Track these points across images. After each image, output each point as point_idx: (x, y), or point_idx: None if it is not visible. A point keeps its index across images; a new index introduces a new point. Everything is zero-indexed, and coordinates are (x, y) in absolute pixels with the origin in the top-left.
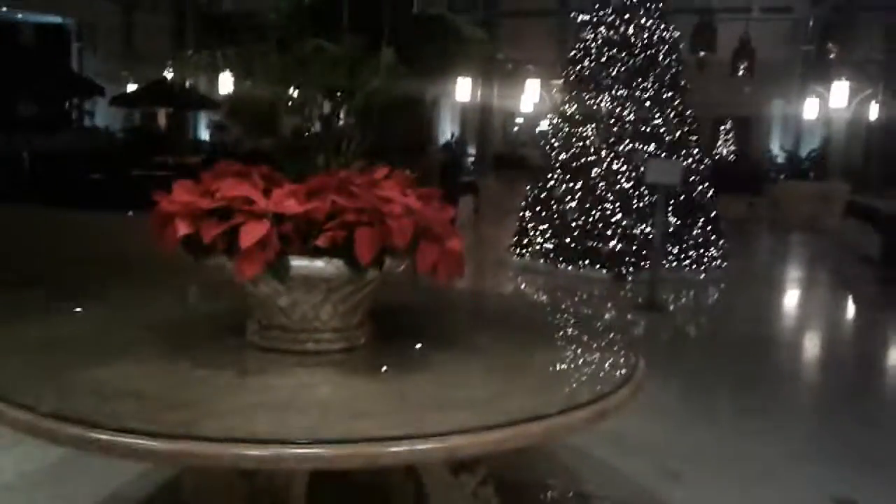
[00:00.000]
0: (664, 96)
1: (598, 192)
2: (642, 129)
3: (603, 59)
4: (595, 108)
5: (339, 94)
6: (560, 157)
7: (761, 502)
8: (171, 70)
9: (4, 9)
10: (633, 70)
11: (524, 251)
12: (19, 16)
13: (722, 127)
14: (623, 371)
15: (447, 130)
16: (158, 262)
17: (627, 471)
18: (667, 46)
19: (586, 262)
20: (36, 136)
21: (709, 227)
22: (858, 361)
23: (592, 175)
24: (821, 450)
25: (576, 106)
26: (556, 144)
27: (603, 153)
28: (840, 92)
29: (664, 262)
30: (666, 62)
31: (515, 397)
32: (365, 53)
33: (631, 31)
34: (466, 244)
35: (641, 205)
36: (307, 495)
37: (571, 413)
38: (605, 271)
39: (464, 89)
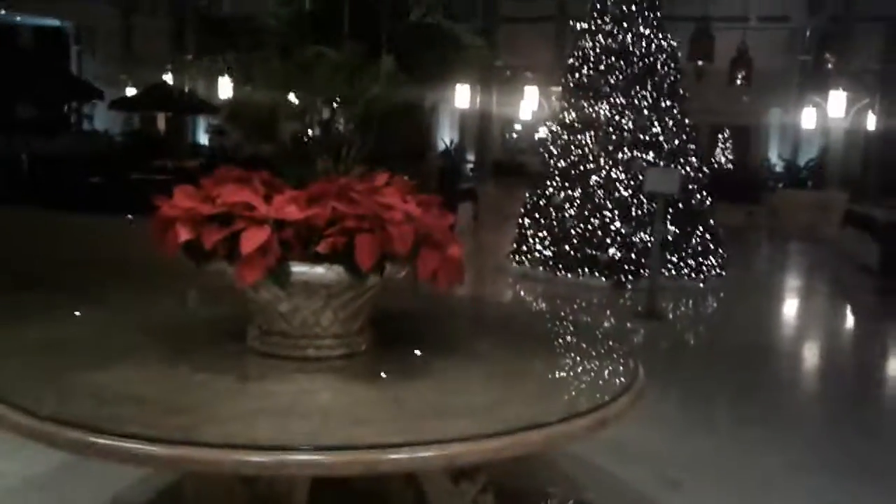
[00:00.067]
0: (662, 105)
1: (597, 199)
2: (641, 137)
3: (601, 68)
4: (594, 115)
5: (338, 100)
6: (559, 165)
7: None
8: (170, 74)
9: (3, 12)
10: (631, 78)
11: (523, 258)
12: (18, 19)
13: (720, 136)
14: (623, 379)
15: (446, 137)
16: (158, 266)
17: (627, 479)
18: (665, 55)
19: (585, 269)
20: (35, 140)
21: (707, 236)
22: (857, 371)
23: (591, 183)
24: (820, 459)
25: (574, 114)
26: (554, 152)
27: (602, 161)
28: (837, 102)
29: (663, 270)
30: (664, 71)
31: (515, 405)
32: (365, 60)
33: (629, 39)
34: (465, 251)
35: (640, 213)
36: (308, 502)
37: (572, 421)
38: (604, 279)
39: (462, 96)
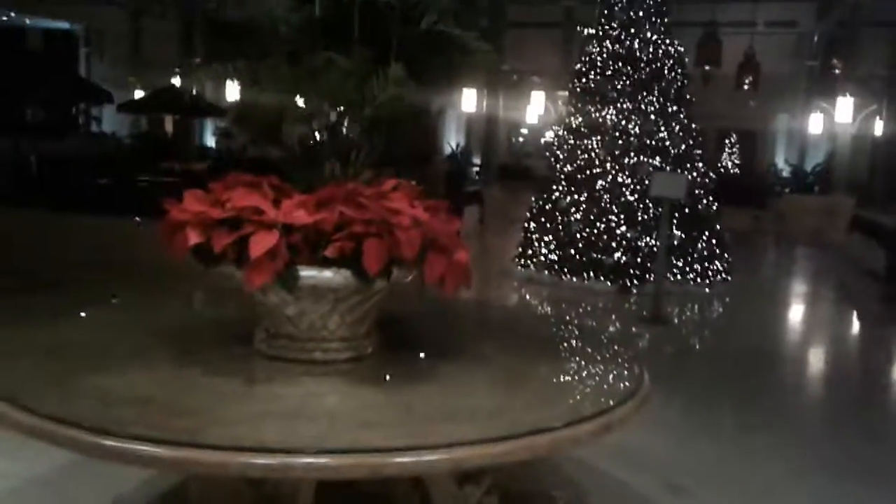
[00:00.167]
0: (669, 110)
1: (603, 204)
2: (647, 142)
3: (608, 73)
4: (600, 120)
5: (347, 105)
6: (565, 169)
7: None
8: (178, 77)
9: (13, 14)
10: (638, 84)
11: (528, 262)
12: (27, 21)
13: (727, 140)
14: (628, 384)
15: (452, 140)
16: (165, 268)
17: (631, 484)
18: (672, 60)
19: (591, 273)
20: (44, 141)
21: (713, 241)
22: (863, 376)
23: (597, 187)
24: (824, 464)
25: (581, 118)
26: (561, 156)
27: (608, 166)
28: (845, 107)
29: (669, 274)
30: (671, 76)
31: (521, 409)
32: (374, 66)
33: (636, 45)
34: (471, 254)
35: (646, 217)
36: None
37: (577, 426)
38: (609, 283)
39: (469, 100)
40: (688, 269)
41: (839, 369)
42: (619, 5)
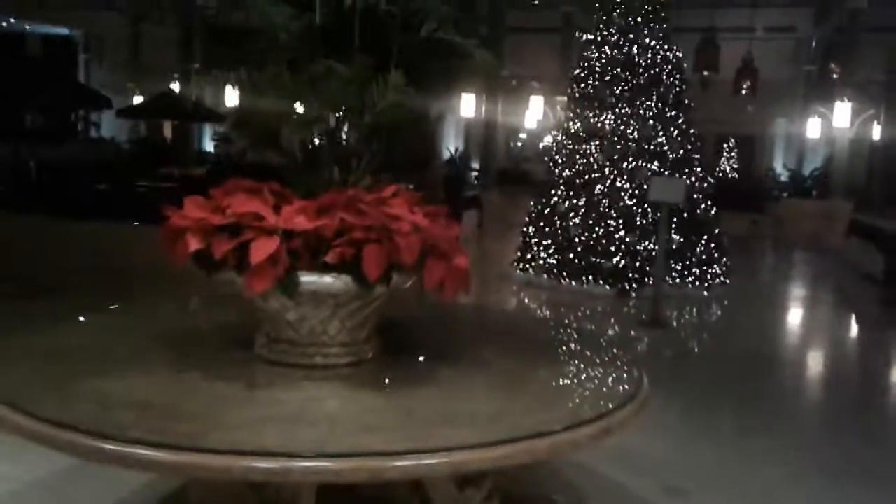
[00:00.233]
0: (667, 115)
1: (602, 208)
2: (646, 147)
3: (607, 78)
4: (599, 125)
5: (347, 112)
6: (564, 174)
7: None
8: (177, 82)
9: (12, 20)
10: (636, 89)
11: (527, 266)
12: (27, 27)
13: (725, 145)
14: (627, 388)
15: (451, 145)
16: (164, 273)
17: (631, 488)
18: (670, 66)
19: (589, 277)
20: (43, 147)
21: (712, 245)
22: (861, 380)
23: (596, 192)
24: (824, 467)
25: (580, 123)
26: (559, 161)
27: (606, 170)
28: (843, 112)
29: (667, 278)
30: (669, 81)
31: (521, 413)
32: (374, 74)
33: (635, 50)
34: (470, 258)
35: (645, 222)
36: None
37: (576, 430)
38: (608, 287)
39: (468, 105)
40: (686, 272)
41: (837, 373)
42: (618, 11)
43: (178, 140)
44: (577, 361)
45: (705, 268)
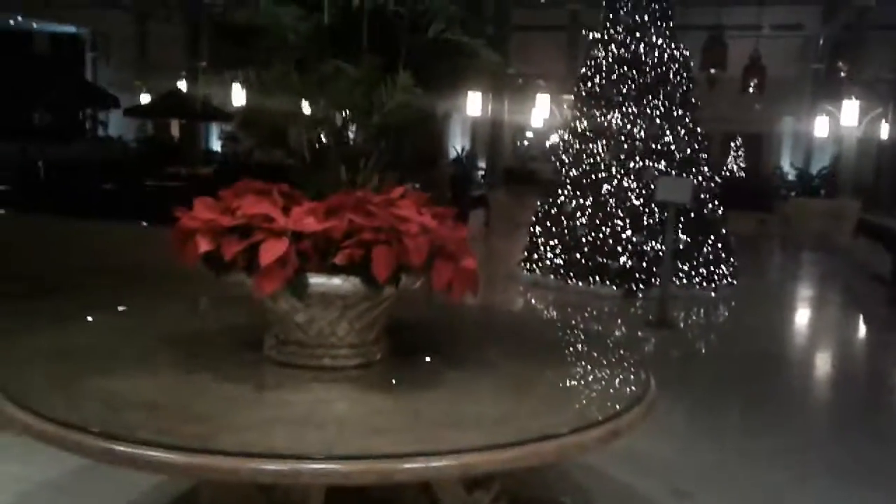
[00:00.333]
0: (675, 114)
1: (609, 208)
2: (653, 146)
3: (614, 77)
4: (605, 124)
5: (355, 113)
6: (570, 173)
7: None
8: (184, 81)
9: (20, 18)
10: (643, 88)
11: (534, 266)
12: (34, 26)
13: (732, 143)
14: (635, 389)
15: (457, 144)
16: (172, 273)
17: (638, 489)
18: (677, 64)
19: (596, 278)
20: (50, 146)
21: (719, 245)
22: (869, 380)
23: (603, 191)
24: (831, 468)
25: (586, 122)
26: (566, 160)
27: (613, 170)
28: (850, 111)
29: (674, 278)
30: (676, 80)
31: (528, 415)
32: (382, 74)
33: (642, 48)
34: (477, 258)
35: (652, 222)
36: None
37: (584, 432)
38: (615, 288)
39: (474, 104)
40: (693, 273)
41: (845, 373)
42: (625, 9)
43: (186, 139)
44: (584, 363)
45: (712, 268)
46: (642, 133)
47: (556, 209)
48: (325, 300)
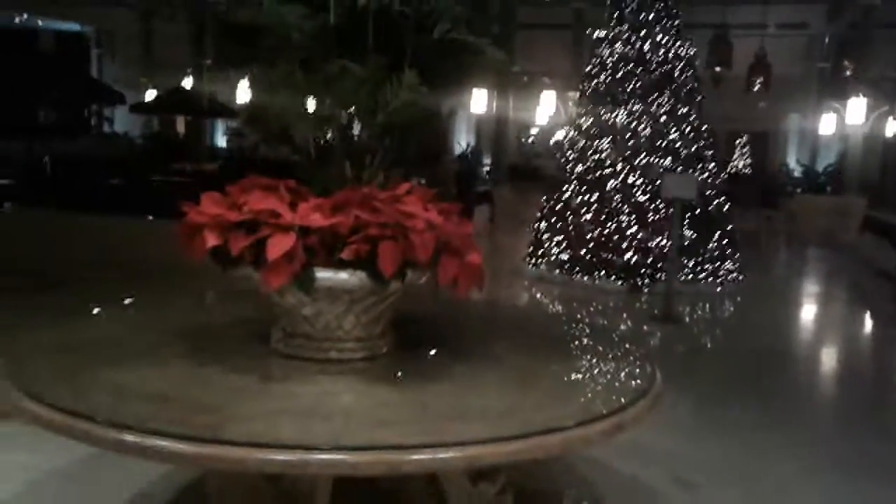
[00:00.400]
0: (680, 111)
1: (614, 204)
2: (658, 143)
3: (619, 75)
4: (611, 122)
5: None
6: (576, 170)
7: None
8: (190, 77)
9: (25, 16)
10: (648, 86)
11: (539, 261)
12: (40, 23)
13: (738, 141)
14: (640, 383)
15: (463, 141)
16: (178, 267)
17: (643, 482)
18: (682, 62)
19: (602, 273)
20: (57, 142)
21: (725, 241)
22: (875, 376)
23: (608, 188)
24: (837, 462)
25: (591, 120)
26: (571, 157)
27: (619, 167)
28: (856, 109)
29: (680, 274)
30: (682, 78)
31: (534, 408)
32: (388, 74)
33: (647, 47)
34: (482, 254)
35: (657, 218)
36: (331, 500)
37: (589, 425)
38: (620, 283)
39: (479, 101)
40: (699, 269)
41: (851, 369)
42: (630, 8)
43: (191, 135)
44: (589, 356)
45: (718, 264)
46: (648, 130)
47: (561, 205)
48: (332, 294)
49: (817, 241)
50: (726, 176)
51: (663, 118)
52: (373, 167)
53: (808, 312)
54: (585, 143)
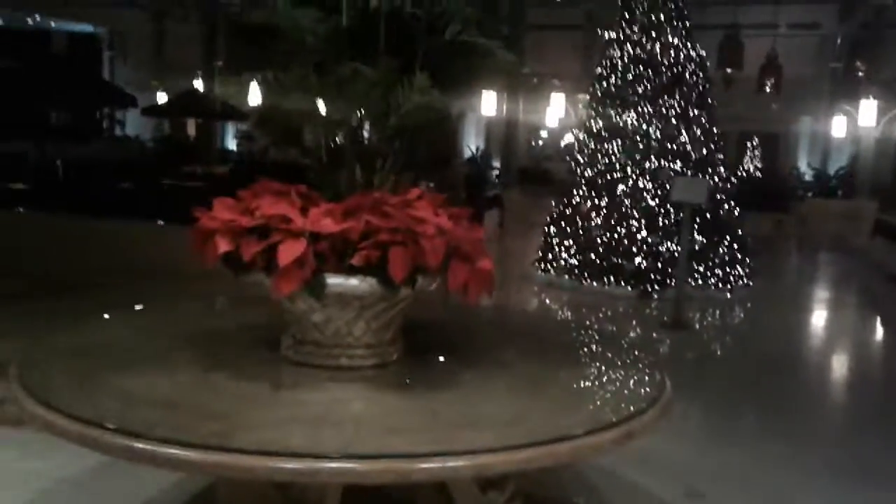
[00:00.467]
0: (691, 114)
1: (624, 208)
2: (668, 146)
3: (629, 77)
4: (621, 124)
5: (372, 114)
6: (585, 174)
7: None
8: (201, 80)
9: (38, 17)
10: (659, 88)
11: (549, 266)
12: (52, 24)
13: (748, 143)
14: (650, 392)
15: (472, 144)
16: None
17: (652, 490)
18: (693, 64)
19: (611, 278)
20: (68, 145)
21: (735, 246)
22: (885, 382)
23: (618, 192)
24: (845, 471)
25: (601, 122)
26: (581, 160)
27: (629, 170)
28: (868, 110)
29: (690, 280)
30: (692, 80)
31: (543, 416)
32: (399, 77)
33: (657, 48)
34: (492, 259)
35: (667, 222)
36: None
37: (599, 434)
38: (630, 288)
39: (489, 103)
40: (709, 274)
41: (861, 375)
42: (640, 9)
43: (202, 138)
44: (599, 364)
45: (728, 269)
46: (658, 133)
47: (570, 209)
48: (343, 300)
49: (828, 246)
50: (736, 180)
51: (674, 121)
52: (383, 171)
53: (819, 318)
54: (595, 146)
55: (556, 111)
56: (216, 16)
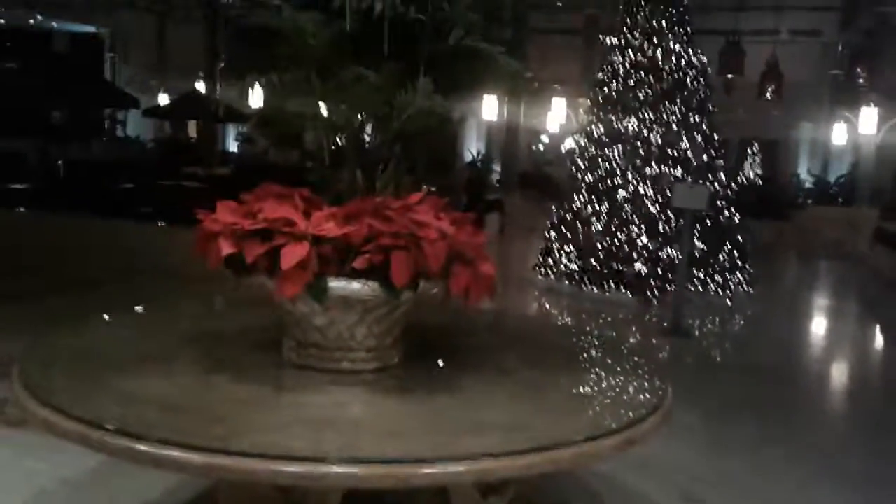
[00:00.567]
0: (691, 120)
1: (624, 214)
2: (669, 152)
3: (630, 83)
4: (622, 130)
5: (375, 119)
6: (586, 179)
7: None
8: (202, 82)
9: (40, 17)
10: (660, 94)
11: (549, 271)
12: (54, 25)
13: (749, 150)
14: (651, 398)
15: (473, 148)
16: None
17: (651, 495)
18: (694, 70)
19: (611, 284)
20: (70, 145)
21: (735, 252)
22: (885, 390)
23: (618, 197)
24: (846, 478)
25: (602, 127)
26: (582, 165)
27: (629, 176)
28: (869, 118)
29: (690, 286)
30: (693, 86)
31: (544, 422)
32: (402, 81)
33: (659, 54)
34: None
35: (668, 228)
36: None
37: (599, 440)
38: (630, 294)
39: (490, 108)
40: (709, 280)
41: (861, 383)
42: (642, 14)
43: (203, 139)
44: (599, 370)
45: (728, 275)
46: (658, 139)
47: (571, 214)
48: (345, 304)
49: (828, 253)
50: (737, 186)
51: (674, 127)
52: (385, 175)
53: (819, 325)
54: (596, 151)
55: (557, 116)
56: (218, 18)
